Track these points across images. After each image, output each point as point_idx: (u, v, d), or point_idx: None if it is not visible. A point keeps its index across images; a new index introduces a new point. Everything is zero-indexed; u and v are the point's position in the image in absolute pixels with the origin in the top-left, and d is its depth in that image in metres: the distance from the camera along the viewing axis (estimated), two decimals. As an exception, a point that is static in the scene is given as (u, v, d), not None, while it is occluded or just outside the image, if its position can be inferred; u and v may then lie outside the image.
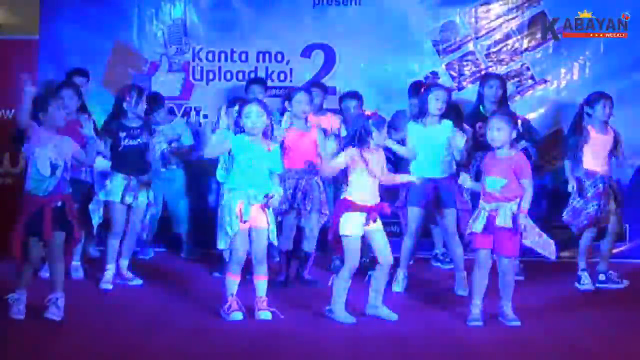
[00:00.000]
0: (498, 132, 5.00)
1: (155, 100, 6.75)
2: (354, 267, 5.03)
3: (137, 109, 5.92)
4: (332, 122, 6.40)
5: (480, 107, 6.52)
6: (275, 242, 5.24)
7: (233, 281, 5.09)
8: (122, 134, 5.87)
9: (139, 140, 5.91)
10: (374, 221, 5.03)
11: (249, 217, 5.04)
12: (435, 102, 5.76)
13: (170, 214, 7.09)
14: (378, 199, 5.08)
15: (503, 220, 4.94)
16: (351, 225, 4.99)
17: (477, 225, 5.01)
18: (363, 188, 5.02)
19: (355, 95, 6.62)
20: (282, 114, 6.21)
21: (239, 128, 5.18)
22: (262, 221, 5.09)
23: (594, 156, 6.10)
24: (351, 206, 4.99)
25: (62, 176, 4.90)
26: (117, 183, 5.83)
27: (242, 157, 5.10)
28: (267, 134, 5.17)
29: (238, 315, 5.01)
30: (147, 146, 5.97)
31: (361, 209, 4.99)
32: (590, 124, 6.12)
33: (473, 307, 5.08)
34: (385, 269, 5.11)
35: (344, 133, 6.33)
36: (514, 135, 5.02)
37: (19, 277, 4.96)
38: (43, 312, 4.89)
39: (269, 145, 5.16)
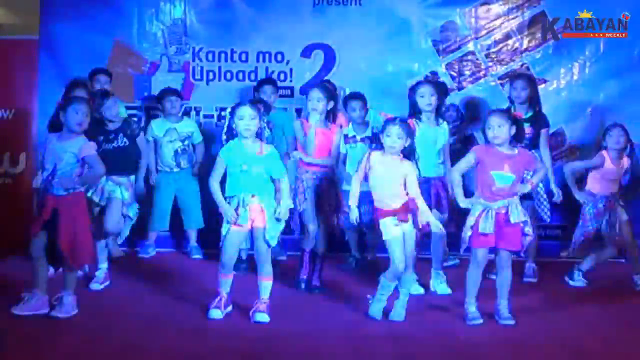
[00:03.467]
0: (499, 128, 4.99)
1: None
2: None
3: (104, 112, 5.94)
4: (341, 121, 6.37)
5: (512, 109, 6.44)
6: (272, 242, 5.07)
7: (224, 281, 5.12)
8: (100, 138, 5.84)
9: (114, 144, 5.92)
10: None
11: (246, 221, 5.01)
12: (421, 100, 5.77)
13: (182, 213, 7.09)
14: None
15: (517, 216, 4.96)
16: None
17: (488, 226, 4.96)
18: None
19: (359, 97, 6.50)
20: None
21: (232, 130, 5.09)
22: (260, 221, 5.04)
23: (598, 181, 6.09)
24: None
25: (53, 179, 4.91)
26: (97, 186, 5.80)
27: (233, 162, 5.04)
28: (262, 137, 5.09)
29: (215, 313, 5.04)
30: (126, 148, 5.97)
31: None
32: (606, 152, 6.08)
33: (470, 306, 5.08)
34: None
35: (351, 132, 6.35)
36: (513, 131, 5.02)
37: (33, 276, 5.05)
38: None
39: (261, 149, 5.07)
